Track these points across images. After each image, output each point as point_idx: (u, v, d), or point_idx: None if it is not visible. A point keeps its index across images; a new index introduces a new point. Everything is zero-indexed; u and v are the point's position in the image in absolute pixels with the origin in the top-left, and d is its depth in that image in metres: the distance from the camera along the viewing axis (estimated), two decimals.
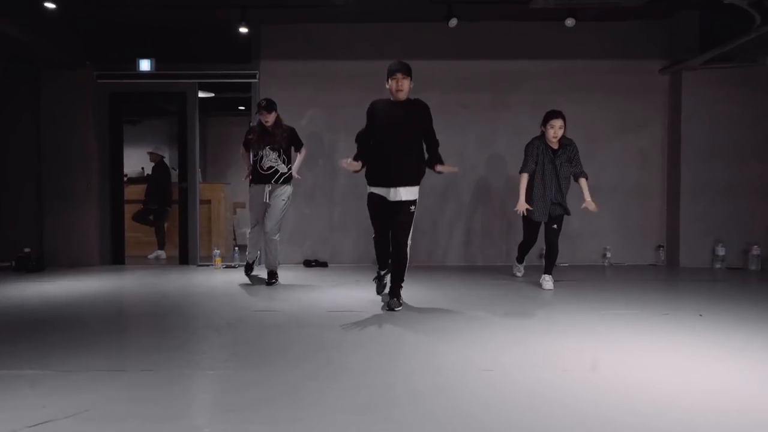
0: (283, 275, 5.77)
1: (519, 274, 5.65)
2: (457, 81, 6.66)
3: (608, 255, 6.66)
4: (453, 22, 5.89)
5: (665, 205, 6.76)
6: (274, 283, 5.28)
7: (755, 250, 6.22)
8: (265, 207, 5.18)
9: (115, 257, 6.77)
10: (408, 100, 4.13)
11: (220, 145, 10.66)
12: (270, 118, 5.11)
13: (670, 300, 4.53)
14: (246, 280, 5.47)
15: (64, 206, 6.54)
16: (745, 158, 6.42)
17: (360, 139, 4.42)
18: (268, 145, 5.12)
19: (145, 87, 6.66)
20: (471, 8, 6.06)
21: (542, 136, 4.99)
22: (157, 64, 6.50)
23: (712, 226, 6.44)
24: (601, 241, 6.71)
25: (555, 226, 4.97)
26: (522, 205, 4.97)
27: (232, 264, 6.52)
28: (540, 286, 4.97)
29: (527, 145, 5.07)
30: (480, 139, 6.74)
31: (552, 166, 4.93)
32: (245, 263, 5.64)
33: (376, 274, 4.38)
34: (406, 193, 4.06)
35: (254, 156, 5.19)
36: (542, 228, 5.12)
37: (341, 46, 6.65)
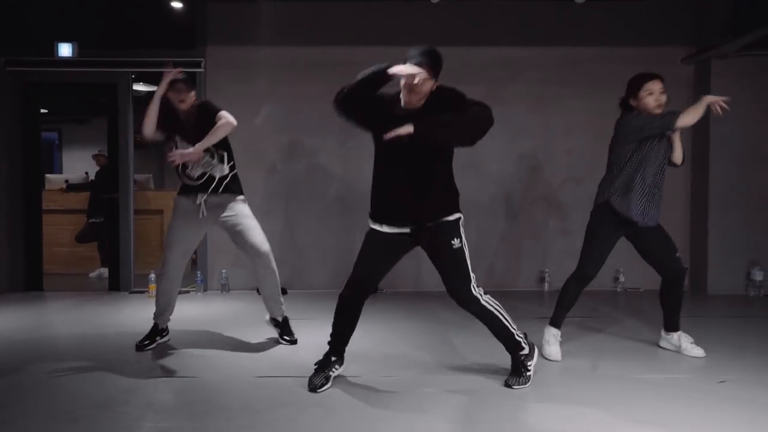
0: (228, 306, 4.72)
1: (555, 356, 3.34)
2: (443, 71, 5.53)
3: (621, 279, 5.61)
4: None
5: (689, 220, 5.71)
6: (292, 340, 3.68)
7: None
8: (195, 233, 3.57)
9: (31, 282, 5.61)
10: (427, 103, 2.66)
11: None
12: (187, 99, 3.43)
13: (718, 353, 3.44)
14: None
15: None
16: None
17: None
18: (183, 138, 3.42)
19: (68, 77, 5.51)
20: None
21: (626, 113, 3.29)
22: (80, 50, 5.39)
23: (747, 244, 5.41)
24: (612, 262, 5.60)
25: (678, 253, 3.43)
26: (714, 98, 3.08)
27: (182, 289, 5.41)
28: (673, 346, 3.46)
29: (634, 117, 3.21)
30: None
31: (658, 147, 3.21)
32: (153, 327, 3.63)
33: (321, 357, 2.91)
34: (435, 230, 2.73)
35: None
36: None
37: (304, 29, 5.56)
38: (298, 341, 3.65)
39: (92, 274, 6.76)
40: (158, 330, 3.63)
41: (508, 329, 2.85)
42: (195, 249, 3.69)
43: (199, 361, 3.30)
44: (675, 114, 3.08)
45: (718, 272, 5.42)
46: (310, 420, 2.44)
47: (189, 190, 3.53)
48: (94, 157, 7.21)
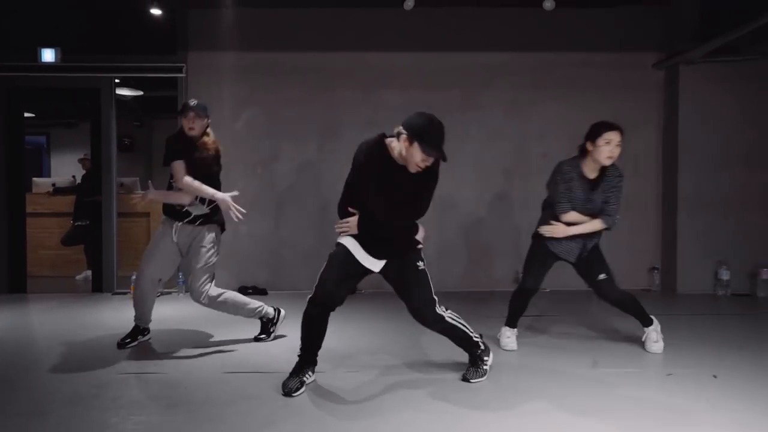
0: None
1: (511, 346, 3.58)
2: (419, 76, 5.70)
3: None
4: (409, 4, 4.94)
5: (660, 221, 5.85)
6: (259, 338, 3.83)
7: (765, 274, 5.36)
8: (171, 254, 3.59)
9: (14, 284, 5.70)
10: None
11: None
12: (196, 127, 3.53)
13: (674, 347, 3.57)
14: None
15: None
16: (753, 166, 5.54)
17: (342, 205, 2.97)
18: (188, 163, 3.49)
19: (51, 82, 5.62)
20: None
21: (576, 159, 3.40)
22: (64, 55, 5.49)
23: (715, 245, 5.55)
24: None
25: (603, 275, 3.45)
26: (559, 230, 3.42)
27: (165, 290, 5.49)
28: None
29: (557, 172, 3.39)
30: (445, 143, 5.79)
31: (586, 204, 3.38)
32: (134, 326, 3.73)
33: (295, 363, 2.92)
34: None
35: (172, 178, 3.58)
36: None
37: (283, 35, 5.68)
38: (270, 339, 3.77)
39: (78, 277, 6.82)
40: (140, 330, 3.74)
41: (468, 335, 3.01)
42: (170, 275, 3.71)
43: (171, 357, 3.41)
44: (567, 211, 3.36)
45: (687, 272, 5.56)
46: (270, 413, 2.55)
47: (171, 213, 3.58)
48: (80, 161, 7.29)
